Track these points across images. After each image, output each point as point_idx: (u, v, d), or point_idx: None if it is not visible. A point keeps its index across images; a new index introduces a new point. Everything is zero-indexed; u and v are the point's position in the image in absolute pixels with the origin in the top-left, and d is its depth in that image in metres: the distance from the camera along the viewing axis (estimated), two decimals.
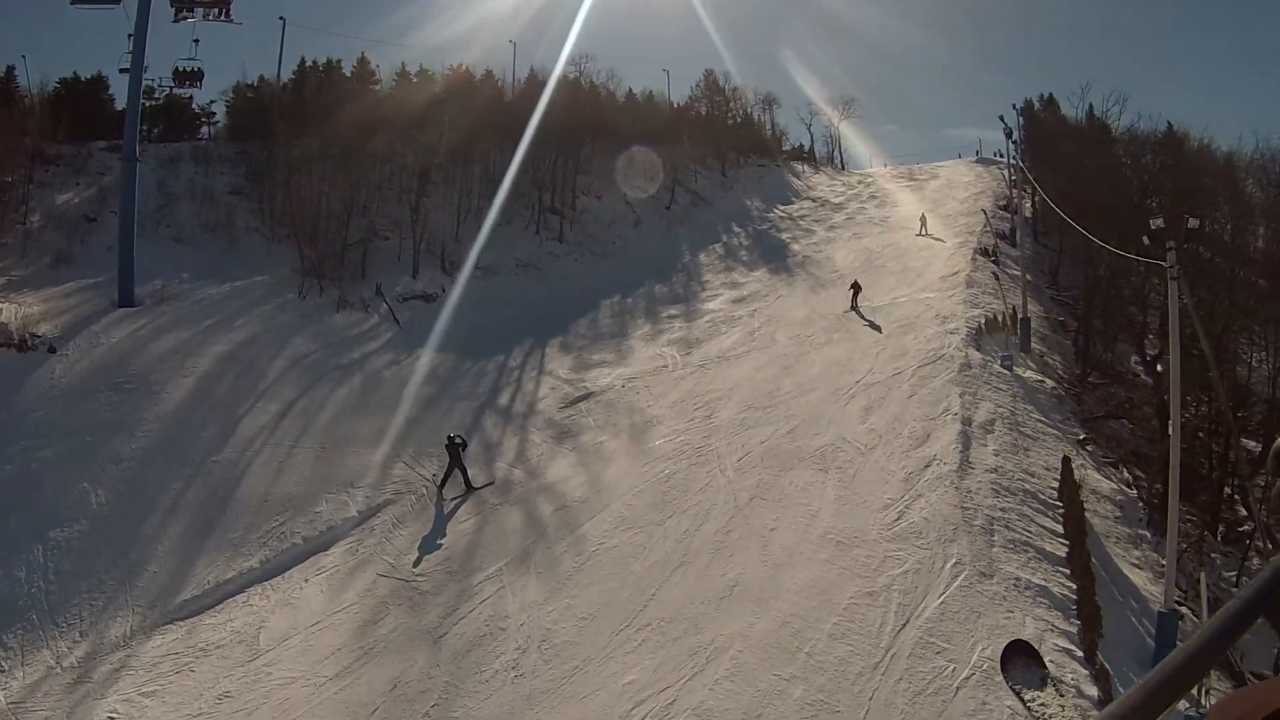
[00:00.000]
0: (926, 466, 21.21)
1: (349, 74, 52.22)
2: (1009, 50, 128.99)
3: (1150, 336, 39.18)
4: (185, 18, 39.89)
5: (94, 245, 36.33)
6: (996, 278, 37.83)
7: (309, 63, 51.82)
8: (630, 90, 59.50)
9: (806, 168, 61.74)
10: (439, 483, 23.07)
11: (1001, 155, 65.15)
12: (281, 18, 49.54)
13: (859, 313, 32.26)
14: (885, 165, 65.39)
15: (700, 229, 48.21)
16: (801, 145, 66.25)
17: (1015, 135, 61.09)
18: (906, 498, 20.01)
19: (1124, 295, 42.54)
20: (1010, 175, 53.83)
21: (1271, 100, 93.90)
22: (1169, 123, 55.35)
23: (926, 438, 22.65)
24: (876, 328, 31.99)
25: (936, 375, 26.56)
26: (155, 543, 21.30)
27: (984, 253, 39.87)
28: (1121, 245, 44.40)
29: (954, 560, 17.20)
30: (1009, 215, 47.91)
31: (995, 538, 18.31)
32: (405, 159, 44.36)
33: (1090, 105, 59.79)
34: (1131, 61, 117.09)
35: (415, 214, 40.61)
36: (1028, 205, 49.07)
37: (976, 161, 63.45)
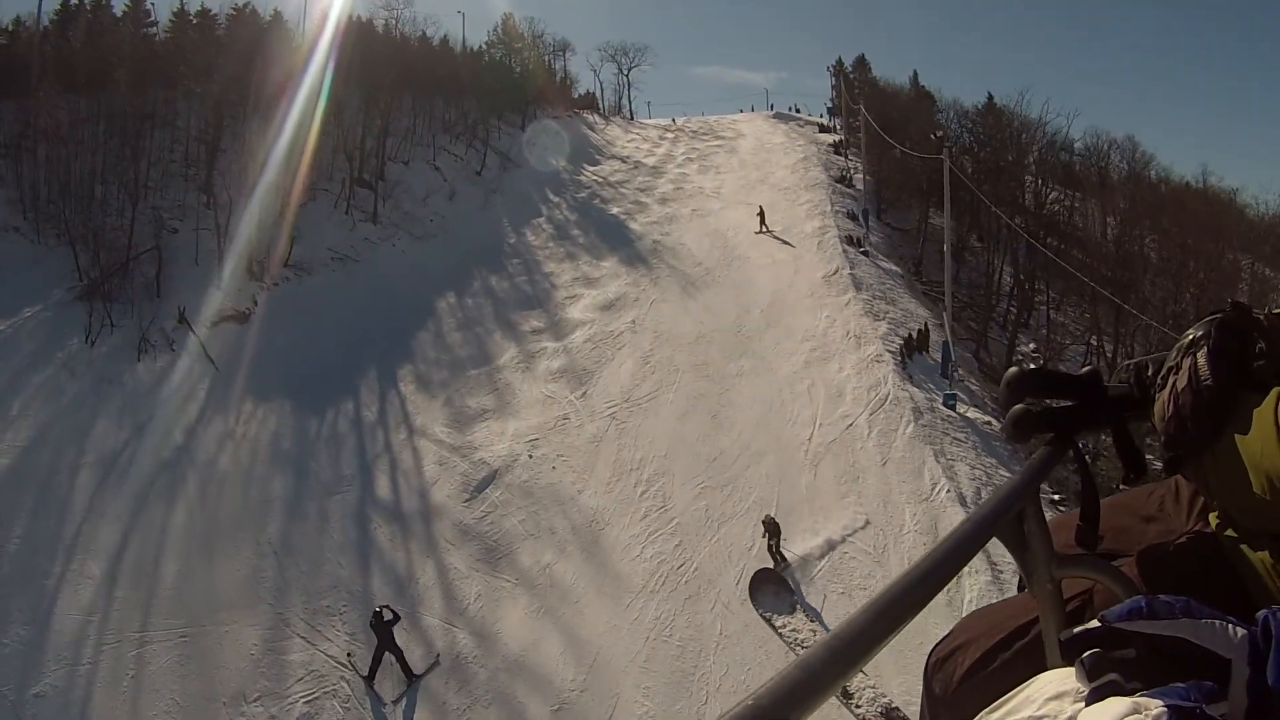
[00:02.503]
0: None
1: (120, 15, 41.75)
2: None
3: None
4: None
5: None
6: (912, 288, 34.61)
7: (74, 1, 40.53)
8: (424, 34, 51.16)
9: (598, 118, 56.15)
10: (367, 674, 15.90)
11: (799, 110, 63.22)
12: None
13: None
14: (676, 118, 60.52)
15: (516, 199, 41.51)
16: (590, 93, 60.57)
17: (831, 96, 59.25)
18: None
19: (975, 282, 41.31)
20: (840, 139, 51.26)
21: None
22: (989, 94, 54.60)
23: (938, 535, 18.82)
24: (782, 353, 27.73)
25: (895, 428, 23.14)
26: None
27: (851, 242, 36.31)
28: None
29: None
30: (850, 191, 44.73)
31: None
32: (190, 124, 34.24)
33: (915, 71, 58.40)
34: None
35: (208, 198, 31.18)
36: (860, 177, 46.42)
37: (774, 116, 60.25)
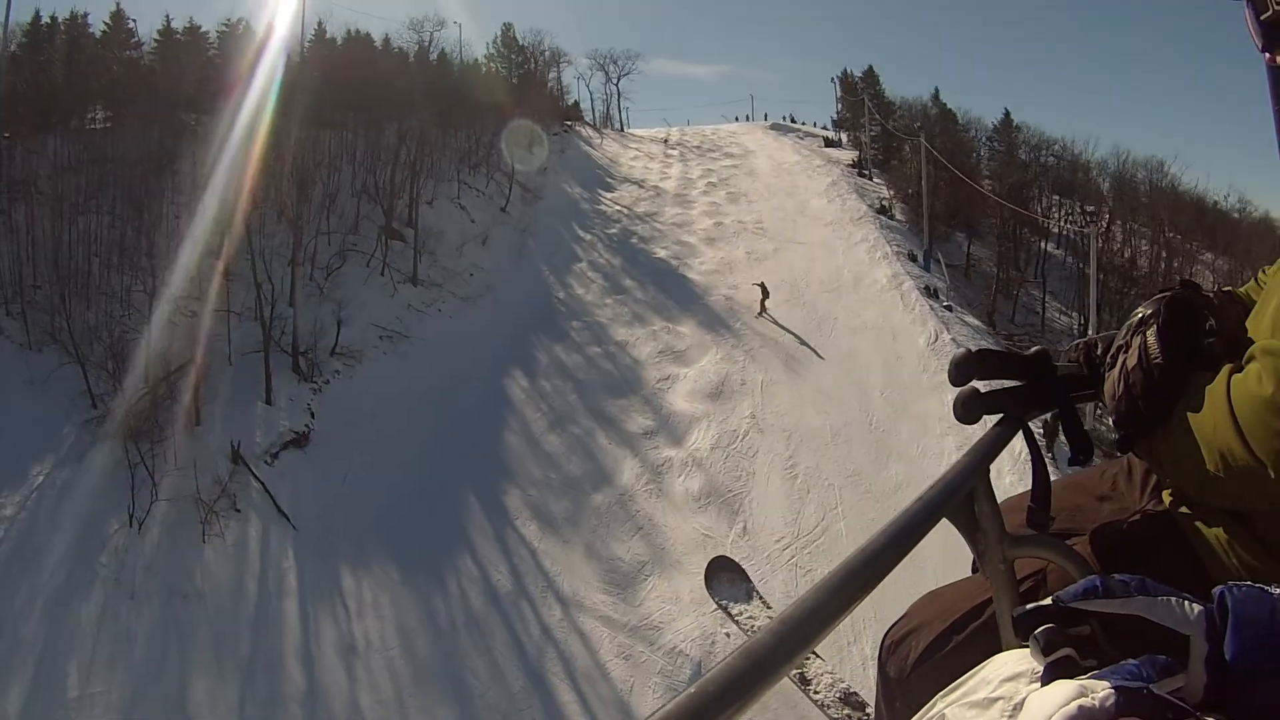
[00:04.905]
0: None
1: (99, 36, 35.04)
2: None
3: None
4: None
5: None
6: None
7: (44, 19, 34.19)
8: (422, 45, 46.60)
9: (592, 132, 52.17)
10: None
11: (796, 121, 59.98)
12: None
13: None
14: (670, 131, 56.55)
15: (548, 240, 37.00)
16: (578, 103, 56.57)
17: (836, 109, 56.04)
18: None
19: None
20: (858, 157, 48.16)
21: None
22: (1006, 110, 52.41)
23: None
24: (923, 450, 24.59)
25: None
26: None
27: (929, 294, 33.22)
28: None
29: None
30: (894, 223, 41.47)
31: None
32: (194, 168, 28.17)
33: (936, 88, 55.93)
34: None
35: (226, 268, 25.37)
36: (898, 206, 43.43)
37: (772, 128, 56.78)
